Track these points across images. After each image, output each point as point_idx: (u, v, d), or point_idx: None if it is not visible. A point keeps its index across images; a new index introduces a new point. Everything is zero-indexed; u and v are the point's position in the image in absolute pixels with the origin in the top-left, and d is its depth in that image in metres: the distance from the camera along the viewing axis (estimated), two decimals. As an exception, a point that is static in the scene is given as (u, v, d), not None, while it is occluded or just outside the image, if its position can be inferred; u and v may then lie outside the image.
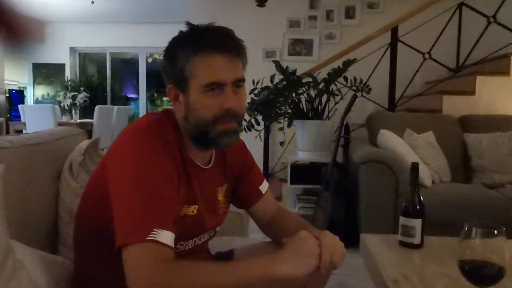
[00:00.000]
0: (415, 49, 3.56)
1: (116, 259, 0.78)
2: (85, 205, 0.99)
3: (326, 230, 0.92)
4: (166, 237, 0.78)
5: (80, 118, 5.95)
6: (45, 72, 7.12)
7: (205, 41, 0.88)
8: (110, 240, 0.80)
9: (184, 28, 0.93)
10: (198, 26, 0.92)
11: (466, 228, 0.76)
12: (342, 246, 0.89)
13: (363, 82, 3.20)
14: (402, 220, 1.24)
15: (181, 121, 0.95)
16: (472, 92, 3.50)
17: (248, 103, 3.17)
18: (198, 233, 1.01)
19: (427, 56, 3.56)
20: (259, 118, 3.22)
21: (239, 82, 0.92)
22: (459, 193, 2.51)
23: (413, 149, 2.69)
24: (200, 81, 0.88)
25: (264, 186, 1.17)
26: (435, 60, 3.60)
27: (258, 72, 3.57)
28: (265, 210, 1.16)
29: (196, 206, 0.96)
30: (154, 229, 0.77)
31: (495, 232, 0.73)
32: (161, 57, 0.96)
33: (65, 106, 5.70)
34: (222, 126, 0.91)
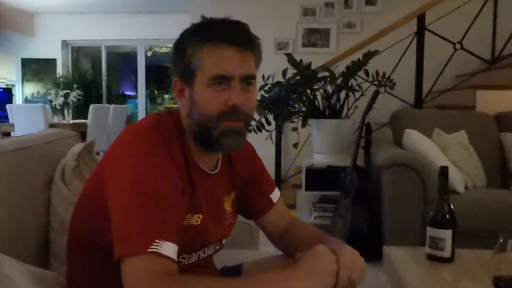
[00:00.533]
0: (445, 39, 3.53)
1: (114, 272, 0.79)
2: (80, 214, 1.00)
3: (344, 244, 0.92)
4: (169, 249, 0.79)
5: (73, 119, 6.03)
6: (35, 68, 7.22)
7: (215, 31, 0.90)
8: (106, 252, 0.81)
9: (192, 20, 0.96)
10: (211, 18, 0.94)
11: (501, 240, 0.75)
12: (362, 262, 0.89)
13: (386, 76, 3.19)
14: (430, 231, 1.24)
15: (185, 119, 0.96)
16: (510, 87, 3.45)
17: (258, 100, 3.17)
18: (202, 246, 1.02)
19: (458, 46, 3.53)
20: (270, 117, 3.23)
21: (249, 79, 0.93)
22: (495, 200, 2.48)
23: (442, 150, 2.67)
24: (206, 73, 0.90)
25: (276, 195, 1.17)
26: (467, 51, 3.57)
27: (268, 66, 3.55)
28: (277, 221, 1.16)
29: (200, 216, 0.97)
30: (156, 240, 0.78)
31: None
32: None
33: (57, 105, 5.78)
34: (227, 125, 0.92)
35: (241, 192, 1.13)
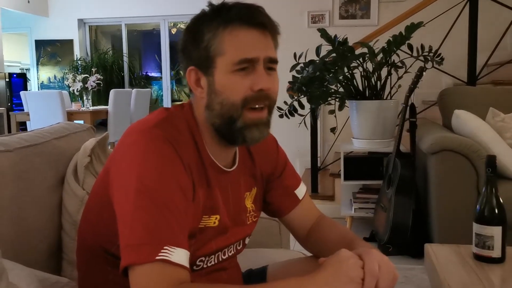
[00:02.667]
0: (503, 4, 3.39)
1: (124, 280, 0.81)
2: (89, 218, 1.04)
3: (373, 248, 0.92)
4: (179, 256, 0.81)
5: (93, 105, 6.17)
6: (50, 50, 7.40)
7: (236, 13, 0.92)
8: (116, 257, 0.84)
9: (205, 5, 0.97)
10: (224, 2, 0.96)
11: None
12: (393, 268, 0.89)
13: (433, 50, 3.10)
14: (477, 227, 1.22)
15: (201, 111, 0.97)
16: None
17: (289, 82, 3.17)
18: (222, 247, 1.04)
19: (519, 11, 3.39)
20: (304, 100, 3.21)
21: (271, 63, 0.95)
22: (560, 189, 2.40)
23: (499, 133, 2.59)
24: (229, 59, 0.91)
25: (301, 190, 1.18)
26: (529, 17, 3.42)
27: (301, 43, 3.56)
28: (303, 219, 1.17)
29: (218, 216, 0.99)
30: (165, 247, 0.80)
31: None
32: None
33: (75, 91, 5.92)
34: (252, 115, 0.93)
35: (263, 188, 1.14)
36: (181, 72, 9.01)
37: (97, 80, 5.93)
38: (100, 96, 6.87)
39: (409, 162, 2.80)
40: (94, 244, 0.99)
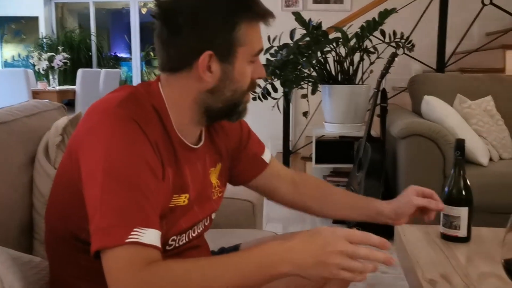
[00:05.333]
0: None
1: (96, 264, 0.81)
2: (56, 204, 1.01)
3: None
4: (150, 236, 0.81)
5: (59, 85, 6.02)
6: (15, 28, 7.17)
7: (256, 6, 0.96)
8: (87, 243, 0.83)
9: None
10: None
11: (513, 222, 0.78)
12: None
13: (405, 37, 3.15)
14: (444, 208, 1.26)
15: (193, 92, 0.96)
16: (545, 46, 3.41)
17: (263, 65, 3.16)
18: (192, 225, 1.05)
19: (487, 1, 3.47)
20: (277, 83, 3.23)
21: None
22: (523, 173, 2.49)
23: (465, 119, 2.67)
24: (251, 50, 0.96)
25: (267, 154, 1.24)
26: (496, 6, 3.51)
27: (275, 26, 3.51)
28: (277, 177, 1.24)
29: (188, 195, 0.99)
30: (135, 229, 0.80)
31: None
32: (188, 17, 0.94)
33: (41, 69, 5.76)
34: (247, 97, 1.02)
35: (228, 162, 1.16)
36: (151, 53, 8.87)
37: (64, 59, 5.79)
38: (67, 76, 6.71)
39: (379, 146, 2.85)
40: (63, 231, 0.97)
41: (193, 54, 0.93)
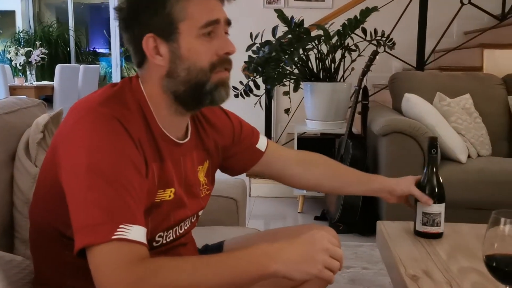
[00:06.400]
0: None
1: (82, 262, 0.81)
2: (39, 199, 1.00)
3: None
4: (136, 233, 0.81)
5: (37, 80, 5.93)
6: (-9, 22, 7.04)
7: None
8: (72, 240, 0.82)
9: None
10: None
11: (494, 218, 0.79)
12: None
13: (386, 35, 3.19)
14: (420, 206, 1.27)
15: (156, 81, 0.96)
16: (521, 45, 3.48)
17: (245, 62, 3.17)
18: (179, 221, 1.05)
19: (465, 0, 3.52)
20: (259, 80, 3.23)
21: (228, 26, 0.98)
22: (500, 170, 2.55)
23: (445, 117, 2.71)
24: (194, 23, 0.92)
25: (262, 142, 1.24)
26: (475, 5, 3.56)
27: (256, 23, 3.56)
28: (278, 161, 1.26)
29: (173, 189, 0.99)
30: (121, 225, 0.80)
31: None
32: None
33: (18, 65, 5.66)
34: (220, 75, 0.96)
35: (219, 159, 1.17)
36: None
37: (42, 54, 5.70)
38: (45, 71, 6.62)
39: (360, 144, 2.88)
40: (48, 227, 0.96)
41: (139, 42, 0.94)
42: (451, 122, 2.72)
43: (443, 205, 1.25)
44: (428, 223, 1.26)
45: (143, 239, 0.82)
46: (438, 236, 1.27)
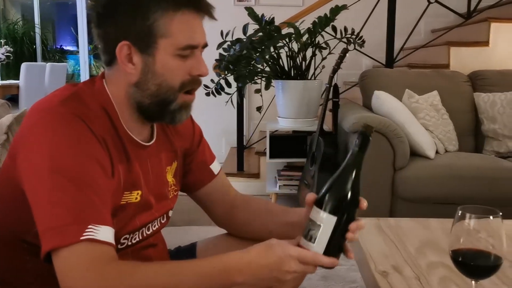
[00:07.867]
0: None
1: (45, 267, 0.79)
2: None
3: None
4: (104, 233, 0.80)
5: (2, 79, 5.80)
6: (-46, 20, 6.83)
7: None
8: (35, 247, 0.81)
9: None
10: None
11: (459, 214, 0.81)
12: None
13: (356, 33, 3.23)
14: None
15: (123, 86, 0.95)
16: (485, 43, 3.57)
17: (216, 60, 3.16)
18: (146, 223, 1.04)
19: (432, -1, 3.59)
20: (230, 78, 3.22)
21: (203, 48, 0.97)
22: (466, 165, 2.62)
23: (413, 113, 2.76)
24: (175, 42, 0.91)
25: (216, 166, 1.20)
26: (441, 4, 3.63)
27: (227, 20, 3.52)
28: (220, 194, 1.19)
29: (140, 192, 0.98)
30: (90, 226, 0.78)
31: (491, 217, 0.79)
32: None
33: (-18, 64, 5.53)
34: (186, 98, 0.96)
35: (183, 163, 1.15)
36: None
37: (6, 52, 5.58)
38: (10, 70, 6.46)
39: (331, 141, 2.91)
40: (7, 233, 0.94)
41: (113, 45, 0.92)
42: (420, 119, 2.77)
43: (334, 218, 0.90)
44: (303, 233, 0.89)
45: (112, 240, 0.82)
46: None
